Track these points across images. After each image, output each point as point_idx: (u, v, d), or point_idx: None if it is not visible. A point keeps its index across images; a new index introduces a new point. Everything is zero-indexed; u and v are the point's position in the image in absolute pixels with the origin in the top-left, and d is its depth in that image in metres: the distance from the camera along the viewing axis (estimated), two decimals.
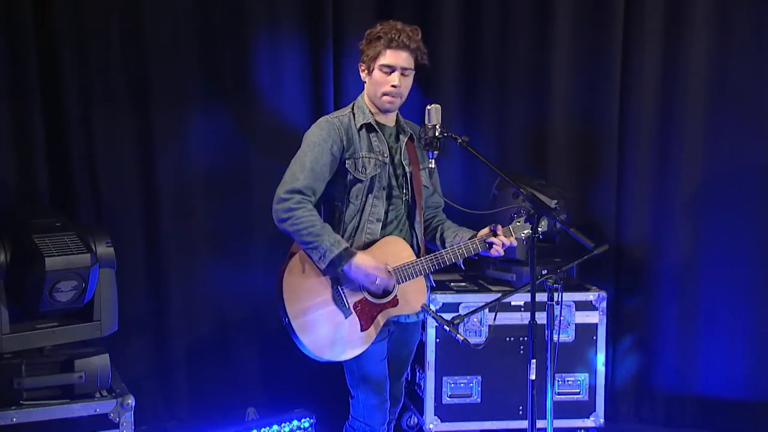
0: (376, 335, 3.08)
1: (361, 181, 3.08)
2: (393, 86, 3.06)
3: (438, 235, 3.29)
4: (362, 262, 3.01)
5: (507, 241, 3.14)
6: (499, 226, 3.16)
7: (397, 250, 3.13)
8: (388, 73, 3.06)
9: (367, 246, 3.09)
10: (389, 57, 3.05)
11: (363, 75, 3.14)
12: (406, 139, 3.18)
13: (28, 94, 3.97)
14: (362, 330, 3.05)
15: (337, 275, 3.03)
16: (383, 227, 3.13)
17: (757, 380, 4.47)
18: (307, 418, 4.07)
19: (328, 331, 3.03)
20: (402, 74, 3.06)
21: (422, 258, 3.13)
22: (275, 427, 3.99)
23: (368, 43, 3.09)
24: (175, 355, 4.38)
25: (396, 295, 3.11)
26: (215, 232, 4.38)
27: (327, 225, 3.03)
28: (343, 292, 3.05)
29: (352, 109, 3.15)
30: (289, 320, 3.00)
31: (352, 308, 3.05)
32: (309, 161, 3.03)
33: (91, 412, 3.29)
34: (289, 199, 2.99)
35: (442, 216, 3.36)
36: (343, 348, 3.04)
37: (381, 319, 3.08)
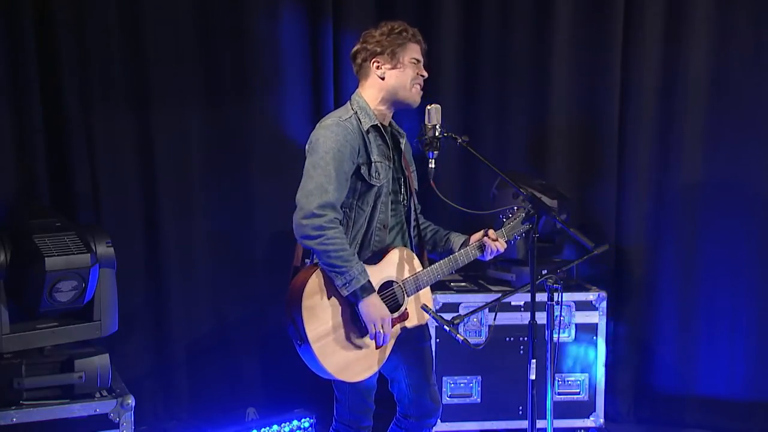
0: (389, 350, 3.03)
1: (373, 186, 2.98)
2: (422, 75, 3.03)
3: (428, 237, 3.24)
4: (376, 305, 2.91)
5: (494, 247, 3.10)
6: (491, 230, 3.13)
7: (405, 262, 3.06)
8: (417, 66, 3.02)
9: (375, 255, 3.03)
10: (416, 50, 3.03)
11: (381, 71, 3.00)
12: (404, 142, 3.14)
13: (28, 94, 3.98)
14: (377, 347, 2.98)
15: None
16: (388, 233, 3.07)
17: (757, 380, 4.47)
18: (307, 418, 4.08)
19: (347, 352, 2.93)
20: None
21: (429, 268, 3.08)
22: (275, 427, 4.00)
23: (389, 36, 2.98)
24: (175, 355, 4.38)
25: (406, 308, 3.05)
26: (215, 232, 4.38)
27: (354, 250, 2.93)
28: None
29: (354, 109, 3.01)
30: (308, 344, 2.87)
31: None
32: (334, 169, 2.86)
33: (91, 412, 3.29)
34: (321, 216, 2.83)
35: (422, 218, 3.29)
36: (361, 367, 2.96)
37: (396, 331, 3.02)
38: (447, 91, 4.46)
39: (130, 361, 4.16)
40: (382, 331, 2.92)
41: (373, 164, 2.98)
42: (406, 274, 3.06)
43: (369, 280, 2.90)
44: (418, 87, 3.04)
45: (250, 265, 4.41)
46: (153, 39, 4.17)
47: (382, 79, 3.01)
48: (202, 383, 4.42)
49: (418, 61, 3.03)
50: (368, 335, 2.95)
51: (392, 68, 3.00)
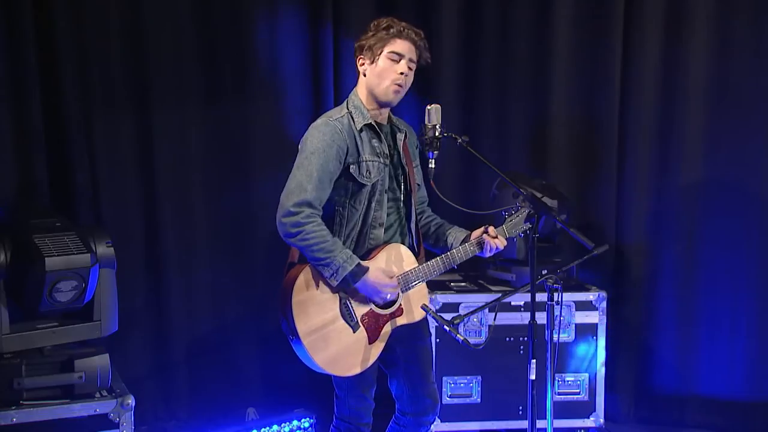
0: (383, 346, 3.04)
1: (364, 185, 3.00)
2: (401, 73, 2.97)
3: (431, 232, 3.25)
4: (376, 278, 2.95)
5: (494, 244, 3.09)
6: (491, 227, 3.13)
7: (399, 258, 3.07)
8: (396, 61, 2.97)
9: (369, 252, 3.04)
10: (398, 45, 2.98)
11: (363, 67, 3.02)
12: (403, 138, 3.14)
13: (28, 94, 3.98)
14: (370, 343, 3.00)
15: (346, 289, 2.96)
16: (384, 231, 3.07)
17: (757, 380, 4.47)
18: (307, 418, 4.08)
19: (338, 347, 2.95)
20: (408, 65, 3.00)
21: (424, 264, 3.08)
22: (275, 427, 4.00)
23: (374, 34, 2.99)
24: (175, 355, 4.38)
25: (401, 304, 3.07)
26: (215, 232, 4.39)
27: (337, 239, 2.93)
28: (351, 306, 2.98)
29: (348, 108, 3.03)
30: (299, 339, 2.91)
31: (360, 321, 2.98)
32: (316, 170, 2.90)
33: (91, 412, 3.28)
34: (297, 213, 2.86)
35: (429, 211, 3.31)
36: (352, 362, 2.98)
37: (387, 330, 3.04)
38: (447, 91, 4.45)
39: (130, 361, 4.16)
40: (390, 295, 2.98)
41: (363, 163, 2.99)
42: (402, 269, 3.06)
43: (359, 263, 2.92)
44: (396, 86, 2.99)
45: (250, 265, 4.41)
46: (153, 39, 4.17)
47: (364, 75, 3.03)
48: (202, 383, 4.42)
49: (399, 55, 2.98)
50: (360, 331, 2.97)
51: (370, 64, 3.01)
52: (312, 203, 2.89)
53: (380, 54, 2.98)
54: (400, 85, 3.00)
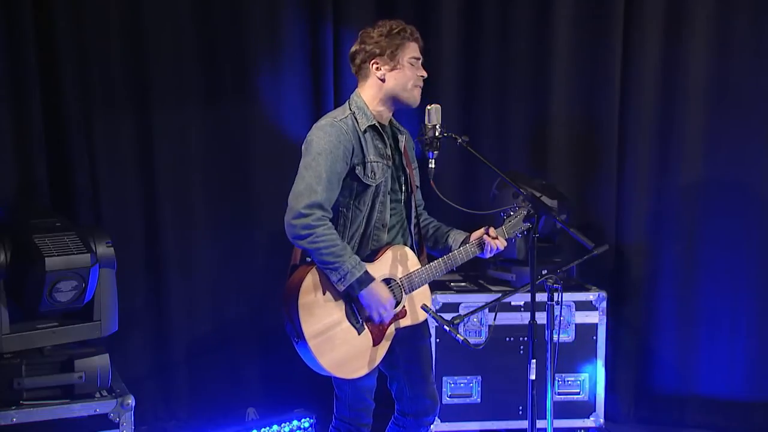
0: (386, 348, 3.05)
1: (369, 186, 2.99)
2: (421, 76, 3.04)
3: (429, 234, 3.25)
4: (379, 291, 2.94)
5: (494, 245, 3.09)
6: (491, 228, 3.14)
7: (405, 258, 3.08)
8: (416, 66, 3.03)
9: (373, 253, 3.04)
10: (415, 49, 3.03)
11: (380, 72, 3.00)
12: (403, 140, 3.15)
13: (28, 94, 3.98)
14: (374, 344, 3.00)
15: (351, 293, 2.96)
16: (387, 232, 3.07)
17: (757, 380, 4.47)
18: (307, 418, 4.08)
19: (343, 349, 2.95)
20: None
21: (427, 266, 3.08)
22: (275, 427, 4.00)
23: (388, 37, 2.98)
24: (175, 355, 4.38)
25: (405, 305, 3.07)
26: (215, 232, 4.39)
27: (346, 245, 2.93)
28: (356, 308, 2.97)
29: (351, 109, 3.03)
30: (305, 341, 2.90)
31: (364, 323, 2.99)
32: (325, 170, 2.88)
33: (91, 412, 3.28)
34: (308, 215, 2.85)
35: (426, 213, 3.32)
36: (358, 364, 2.98)
37: (392, 331, 3.04)
38: (447, 91, 4.45)
39: (130, 361, 4.16)
40: (386, 314, 2.96)
41: (368, 164, 2.98)
42: (404, 272, 3.06)
43: (366, 271, 2.91)
44: (419, 88, 3.05)
45: (250, 265, 4.41)
46: (153, 39, 4.17)
47: (382, 80, 3.02)
48: (202, 383, 4.42)
49: (417, 59, 3.04)
50: (365, 333, 2.97)
51: (392, 69, 3.00)
52: (323, 205, 2.88)
53: (403, 59, 3.00)
54: (420, 87, 3.05)
